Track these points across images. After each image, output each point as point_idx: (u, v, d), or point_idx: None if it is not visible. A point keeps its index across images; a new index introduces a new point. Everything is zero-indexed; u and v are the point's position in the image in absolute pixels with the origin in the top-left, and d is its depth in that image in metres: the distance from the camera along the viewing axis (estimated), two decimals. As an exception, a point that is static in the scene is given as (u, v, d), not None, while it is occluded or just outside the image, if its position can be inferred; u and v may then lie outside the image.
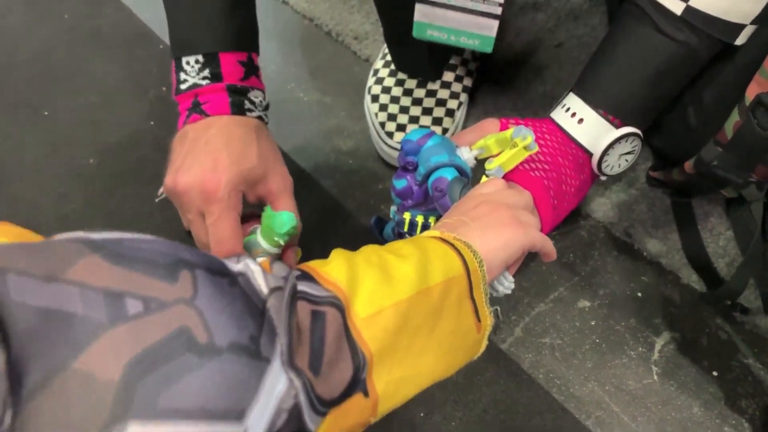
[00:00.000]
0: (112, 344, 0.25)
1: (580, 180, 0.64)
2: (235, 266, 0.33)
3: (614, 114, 0.62)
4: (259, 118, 0.59)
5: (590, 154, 0.63)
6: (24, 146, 0.87)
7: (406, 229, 0.60)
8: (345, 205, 0.79)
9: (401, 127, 0.79)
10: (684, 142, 0.68)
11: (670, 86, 0.63)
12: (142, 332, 0.26)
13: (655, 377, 0.64)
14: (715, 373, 0.64)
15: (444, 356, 0.42)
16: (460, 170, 0.57)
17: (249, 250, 0.58)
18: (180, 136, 0.57)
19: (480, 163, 0.59)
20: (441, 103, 0.81)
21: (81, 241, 0.28)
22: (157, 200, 0.80)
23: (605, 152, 0.62)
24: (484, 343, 0.47)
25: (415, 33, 0.71)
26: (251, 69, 0.59)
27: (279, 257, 0.60)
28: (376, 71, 0.86)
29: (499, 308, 0.69)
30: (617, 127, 0.62)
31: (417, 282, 0.40)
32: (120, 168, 0.84)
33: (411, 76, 0.83)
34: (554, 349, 0.66)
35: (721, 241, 0.72)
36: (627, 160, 0.65)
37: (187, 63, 0.57)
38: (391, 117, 0.81)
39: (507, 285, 0.52)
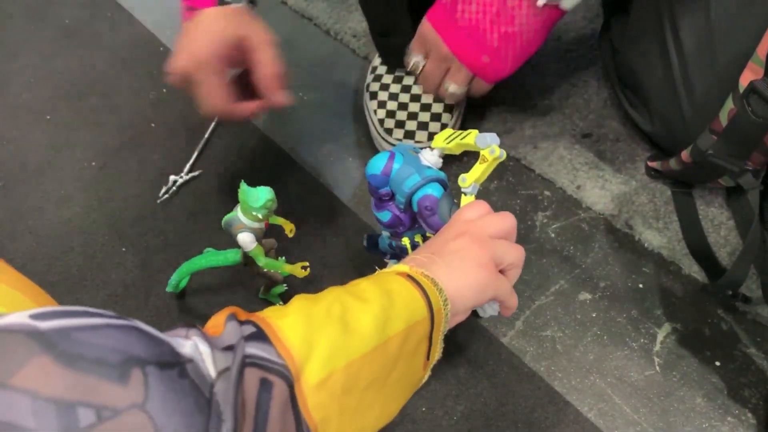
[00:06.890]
0: None
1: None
2: (184, 347, 0.32)
3: None
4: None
5: None
6: (26, 150, 0.87)
7: (410, 254, 0.59)
8: (345, 202, 0.80)
9: (400, 124, 0.80)
10: (679, 130, 0.68)
11: None
12: None
13: (657, 368, 0.64)
14: (717, 364, 0.64)
15: (390, 404, 0.43)
16: (438, 181, 0.56)
17: (231, 225, 0.61)
18: (180, 32, 0.65)
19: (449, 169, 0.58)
20: (440, 99, 0.80)
21: (28, 334, 0.27)
22: (159, 201, 0.80)
23: None
24: (427, 375, 0.47)
25: None
26: None
27: (263, 232, 0.62)
28: (375, 68, 0.86)
29: (500, 302, 0.69)
30: None
31: (376, 336, 0.40)
32: (122, 170, 0.84)
33: (399, 68, 0.83)
34: (555, 341, 0.66)
35: (722, 231, 0.72)
36: None
37: None
38: (390, 114, 0.81)
39: (490, 311, 0.54)
